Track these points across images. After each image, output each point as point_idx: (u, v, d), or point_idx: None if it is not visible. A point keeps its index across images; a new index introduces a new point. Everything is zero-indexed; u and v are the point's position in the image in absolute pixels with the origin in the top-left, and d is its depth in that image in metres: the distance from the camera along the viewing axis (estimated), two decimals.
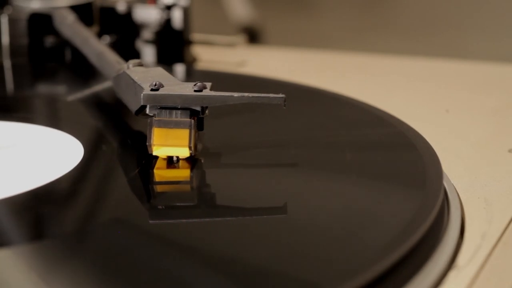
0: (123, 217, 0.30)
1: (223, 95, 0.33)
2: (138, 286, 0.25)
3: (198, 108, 0.33)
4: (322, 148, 0.37)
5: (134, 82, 0.35)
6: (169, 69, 0.52)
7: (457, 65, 0.56)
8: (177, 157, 0.33)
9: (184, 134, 0.32)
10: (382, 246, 0.27)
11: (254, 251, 0.27)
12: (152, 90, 0.33)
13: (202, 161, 0.34)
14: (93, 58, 0.44)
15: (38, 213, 0.31)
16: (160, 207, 0.31)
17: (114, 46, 0.53)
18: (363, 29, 0.94)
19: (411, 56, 0.58)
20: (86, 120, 0.41)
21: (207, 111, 0.33)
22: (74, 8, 0.52)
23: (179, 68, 0.53)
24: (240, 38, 0.64)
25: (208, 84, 0.34)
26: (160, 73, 0.36)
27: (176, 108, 0.33)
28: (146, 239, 0.28)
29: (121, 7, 0.54)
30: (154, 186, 0.33)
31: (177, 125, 0.32)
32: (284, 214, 0.30)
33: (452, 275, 0.28)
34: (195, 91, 0.33)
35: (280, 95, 0.33)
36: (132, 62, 0.37)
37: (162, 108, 0.33)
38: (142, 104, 0.33)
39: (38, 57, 0.52)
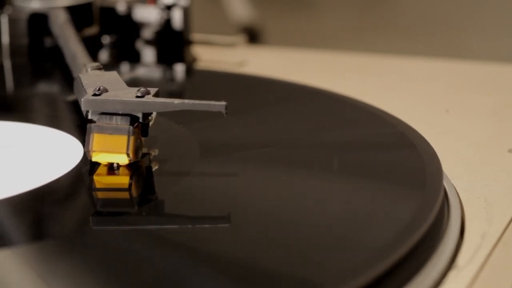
0: (123, 216, 0.30)
1: (163, 102, 0.32)
2: (138, 286, 0.25)
3: (139, 114, 0.32)
4: (322, 148, 0.37)
5: (82, 87, 0.34)
6: (169, 69, 0.52)
7: (457, 65, 0.56)
8: (117, 163, 0.33)
9: (122, 141, 0.32)
10: (382, 246, 0.27)
11: (254, 252, 0.27)
12: (94, 95, 0.32)
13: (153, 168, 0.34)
14: (68, 59, 0.44)
15: (38, 213, 0.31)
16: None
17: (114, 46, 0.53)
18: (363, 29, 0.94)
19: (411, 56, 0.58)
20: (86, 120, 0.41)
21: (152, 117, 0.33)
22: (74, 8, 0.52)
23: (179, 68, 0.53)
24: (240, 38, 0.64)
25: (153, 90, 0.33)
26: (112, 78, 0.35)
27: (117, 114, 0.32)
28: (146, 239, 0.28)
29: (121, 7, 0.54)
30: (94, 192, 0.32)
31: (116, 131, 0.32)
32: (227, 223, 0.28)
33: (452, 275, 0.28)
34: (137, 96, 0.32)
35: (222, 103, 0.32)
36: (90, 65, 0.37)
37: (103, 113, 0.32)
38: (84, 109, 0.32)
39: (38, 57, 0.52)
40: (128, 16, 0.54)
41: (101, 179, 0.32)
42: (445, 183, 0.33)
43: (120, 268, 0.26)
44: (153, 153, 0.34)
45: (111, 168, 0.32)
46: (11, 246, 0.28)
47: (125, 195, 0.31)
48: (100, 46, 0.53)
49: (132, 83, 0.49)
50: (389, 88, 0.50)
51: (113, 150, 0.32)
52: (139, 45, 0.54)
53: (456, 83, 0.52)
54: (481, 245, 0.29)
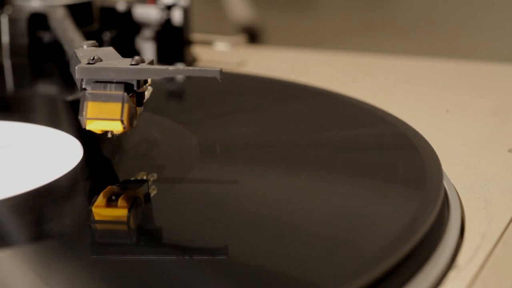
0: (123, 216, 0.30)
1: (157, 68, 0.32)
2: (138, 286, 0.25)
3: (133, 82, 0.32)
4: (322, 148, 0.37)
5: (77, 58, 0.34)
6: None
7: (457, 65, 0.56)
8: (112, 132, 0.32)
9: (116, 108, 0.31)
10: (382, 246, 0.27)
11: (254, 252, 0.27)
12: (88, 64, 0.32)
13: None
14: (67, 48, 0.43)
15: (38, 213, 0.31)
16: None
17: (112, 44, 0.53)
18: (363, 29, 0.94)
19: (411, 56, 0.58)
20: None
21: (147, 87, 0.33)
22: (73, 7, 0.52)
23: None
24: (240, 38, 0.64)
25: (148, 59, 0.33)
26: (108, 51, 0.35)
27: (111, 82, 0.32)
28: (147, 239, 0.28)
29: (121, 6, 0.54)
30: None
31: (110, 98, 0.31)
32: (224, 256, 0.28)
33: (452, 275, 0.28)
34: (131, 65, 0.32)
35: (216, 68, 0.32)
36: (86, 43, 0.37)
37: (97, 82, 0.32)
38: (77, 77, 0.32)
39: (38, 57, 0.52)
40: (128, 16, 0.54)
41: (99, 211, 0.31)
42: (445, 183, 0.33)
43: (120, 268, 0.26)
44: (151, 178, 0.34)
45: (110, 200, 0.31)
46: (11, 246, 0.28)
47: (123, 227, 0.31)
48: (100, 44, 0.53)
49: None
50: (389, 88, 0.50)
51: (107, 117, 0.31)
52: (139, 44, 0.54)
53: (456, 83, 0.52)
54: (481, 245, 0.29)
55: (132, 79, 0.32)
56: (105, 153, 0.37)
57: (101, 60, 0.33)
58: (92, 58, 0.33)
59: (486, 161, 0.38)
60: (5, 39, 0.52)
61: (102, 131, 0.32)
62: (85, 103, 0.31)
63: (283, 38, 0.94)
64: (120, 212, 0.31)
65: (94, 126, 0.32)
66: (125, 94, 0.31)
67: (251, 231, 0.29)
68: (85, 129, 0.32)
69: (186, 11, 0.54)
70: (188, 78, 0.52)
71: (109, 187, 0.32)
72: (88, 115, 0.31)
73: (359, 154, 0.36)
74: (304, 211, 0.30)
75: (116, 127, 0.32)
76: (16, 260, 0.27)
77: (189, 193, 0.32)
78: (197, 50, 0.57)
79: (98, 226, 0.30)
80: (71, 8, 0.52)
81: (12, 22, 0.52)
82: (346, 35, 0.94)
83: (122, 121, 0.31)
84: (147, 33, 0.53)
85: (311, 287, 0.25)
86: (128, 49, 0.54)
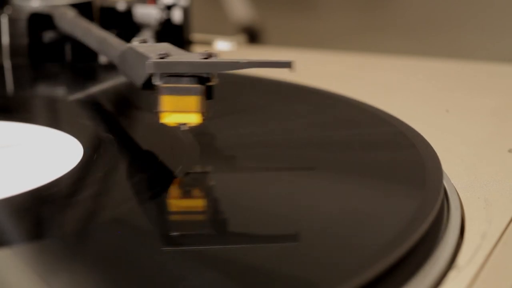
0: (123, 217, 0.30)
1: (231, 61, 0.33)
2: (138, 286, 0.25)
3: (206, 75, 0.33)
4: (322, 148, 0.37)
5: (141, 54, 0.35)
6: None
7: (457, 65, 0.56)
8: (185, 125, 0.33)
9: (194, 101, 0.32)
10: (382, 246, 0.27)
11: (254, 252, 0.27)
12: (160, 58, 0.33)
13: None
14: (95, 46, 0.44)
15: (38, 213, 0.31)
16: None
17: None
18: (363, 29, 0.94)
19: (411, 56, 0.58)
20: (86, 120, 0.41)
21: (215, 80, 0.33)
22: (74, 7, 0.52)
23: None
24: (240, 38, 0.64)
25: (215, 53, 0.34)
26: (167, 46, 0.36)
27: (184, 76, 0.32)
28: (147, 239, 0.28)
29: (121, 6, 0.54)
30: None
31: (187, 91, 0.32)
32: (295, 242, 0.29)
33: (452, 275, 0.28)
34: (203, 59, 0.33)
35: (288, 60, 0.33)
36: (136, 39, 0.38)
37: (170, 76, 0.32)
38: (149, 72, 0.33)
39: (38, 57, 0.52)
40: (128, 16, 0.54)
41: (176, 202, 0.32)
42: (445, 183, 0.33)
43: (120, 268, 0.26)
44: (208, 171, 0.35)
45: (183, 191, 0.33)
46: (11, 246, 0.28)
47: (201, 216, 0.32)
48: None
49: (133, 83, 0.49)
50: (389, 88, 0.50)
51: (185, 110, 0.32)
52: None
53: (456, 83, 0.52)
54: (481, 245, 0.29)
55: (206, 72, 0.33)
56: (105, 153, 0.37)
57: (169, 55, 0.33)
58: (161, 53, 0.33)
59: (486, 161, 0.38)
60: (5, 39, 0.52)
61: (177, 124, 0.33)
62: (161, 97, 0.32)
63: (283, 38, 0.94)
64: (197, 202, 0.32)
65: (170, 119, 0.33)
66: (202, 86, 0.32)
67: (250, 230, 0.29)
68: (160, 122, 0.33)
69: (186, 11, 0.54)
70: None
71: (176, 178, 0.33)
72: (165, 108, 0.32)
73: (359, 154, 0.36)
74: (303, 210, 0.30)
75: (193, 120, 0.33)
76: (16, 260, 0.27)
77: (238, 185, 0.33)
78: (197, 50, 0.57)
79: (175, 217, 0.31)
80: (71, 8, 0.52)
81: (12, 22, 0.52)
82: (346, 35, 0.94)
83: (200, 113, 0.32)
84: (147, 33, 0.53)
85: (310, 285, 0.25)
86: None
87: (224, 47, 0.62)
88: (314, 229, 0.29)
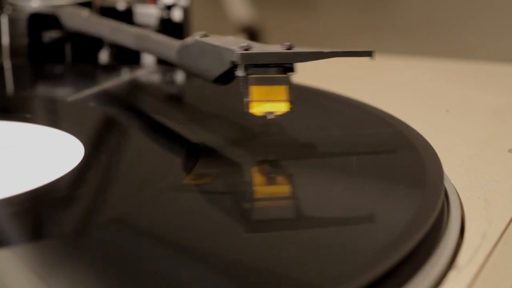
0: (123, 216, 0.30)
1: (315, 52, 0.34)
2: (138, 286, 0.25)
3: (291, 65, 0.34)
4: (322, 148, 0.37)
5: (217, 47, 0.36)
6: (169, 69, 0.52)
7: (457, 65, 0.56)
8: (272, 113, 0.34)
9: (283, 90, 0.33)
10: (382, 246, 0.27)
11: (254, 252, 0.27)
12: (245, 50, 0.34)
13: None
14: (132, 43, 0.44)
15: (38, 213, 0.31)
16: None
17: (112, 45, 0.53)
18: (363, 29, 0.94)
19: (411, 56, 0.58)
20: (87, 120, 0.41)
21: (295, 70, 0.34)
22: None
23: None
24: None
25: (293, 44, 0.34)
26: (234, 39, 0.37)
27: (269, 66, 0.33)
28: (146, 239, 0.28)
29: (121, 6, 0.54)
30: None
31: (275, 81, 0.33)
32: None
33: (452, 275, 0.28)
34: (286, 49, 0.34)
35: (369, 50, 0.35)
36: (198, 33, 0.38)
37: (256, 66, 0.33)
38: (239, 63, 0.33)
39: (38, 57, 0.52)
40: (128, 16, 0.54)
41: (262, 189, 0.33)
42: (445, 183, 0.33)
43: (120, 268, 0.26)
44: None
45: (267, 178, 0.34)
46: (11, 246, 0.28)
47: (288, 202, 0.32)
48: (100, 43, 0.53)
49: (133, 83, 0.49)
50: (389, 88, 0.50)
51: (274, 99, 0.33)
52: None
53: (456, 83, 0.52)
54: (481, 245, 0.29)
55: (292, 62, 0.34)
56: (105, 153, 0.37)
57: (252, 47, 0.34)
58: (244, 45, 0.34)
59: (486, 161, 0.38)
60: (5, 39, 0.52)
61: (263, 113, 0.34)
62: (250, 87, 0.33)
63: (283, 38, 0.94)
64: (283, 188, 0.33)
65: (259, 109, 0.34)
66: (289, 75, 0.34)
67: (252, 232, 0.29)
68: (248, 112, 0.34)
69: (186, 11, 0.54)
70: (188, 78, 0.52)
71: (256, 167, 0.35)
72: (254, 98, 0.33)
73: (359, 155, 0.36)
74: (303, 211, 0.30)
75: (282, 108, 0.34)
76: (15, 260, 0.27)
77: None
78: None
79: (263, 203, 0.32)
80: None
81: (12, 22, 0.52)
82: (346, 35, 0.94)
83: (289, 101, 0.34)
84: None
85: (311, 286, 0.25)
86: (128, 49, 0.54)
87: None
88: (314, 230, 0.29)
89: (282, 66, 0.34)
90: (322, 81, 0.47)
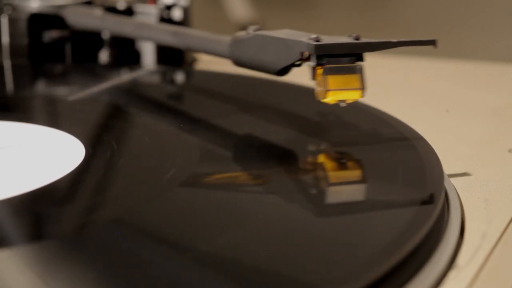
0: (123, 217, 0.30)
1: (384, 41, 0.36)
2: (138, 286, 0.25)
3: (361, 55, 0.35)
4: (322, 148, 0.37)
5: (284, 39, 0.36)
6: (169, 69, 0.52)
7: (457, 65, 0.56)
8: (345, 101, 0.35)
9: (356, 78, 0.35)
10: (382, 246, 0.27)
11: (254, 252, 0.27)
12: (317, 42, 0.35)
13: None
14: (168, 39, 0.45)
15: (38, 213, 0.31)
16: None
17: (112, 45, 0.53)
18: (363, 29, 0.94)
19: (411, 56, 0.58)
20: (87, 120, 0.41)
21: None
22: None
23: (179, 68, 0.53)
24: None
25: (360, 35, 0.36)
26: (293, 31, 0.37)
27: (340, 56, 0.35)
28: (146, 239, 0.28)
29: (121, 6, 0.54)
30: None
31: (349, 70, 0.35)
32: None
33: (452, 275, 0.28)
34: (353, 40, 0.35)
35: (432, 38, 0.36)
36: (252, 27, 0.39)
37: (327, 57, 0.34)
38: (314, 54, 0.34)
39: (38, 57, 0.52)
40: (128, 16, 0.54)
41: (336, 174, 0.34)
42: (445, 183, 0.33)
43: (120, 268, 0.26)
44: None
45: (339, 163, 0.35)
46: (11, 246, 0.28)
47: (361, 186, 0.33)
48: (101, 42, 0.53)
49: (133, 83, 0.49)
50: (389, 88, 0.50)
51: (349, 88, 0.35)
52: (139, 44, 0.54)
53: (456, 83, 0.52)
54: (481, 245, 0.29)
55: (362, 52, 0.35)
56: (106, 152, 0.37)
57: (321, 38, 0.35)
58: (314, 36, 0.35)
59: (486, 161, 0.38)
60: (5, 39, 0.52)
61: (336, 101, 0.35)
62: (325, 77, 0.34)
63: None
64: (355, 172, 0.34)
65: (334, 97, 0.35)
66: (362, 64, 0.35)
67: (250, 231, 0.29)
68: (320, 100, 0.35)
69: (186, 11, 0.54)
70: (189, 78, 0.52)
71: (322, 154, 0.36)
72: (330, 87, 0.34)
73: (359, 155, 0.36)
74: (303, 211, 0.30)
75: (356, 96, 0.35)
76: (15, 261, 0.27)
77: None
78: None
79: (336, 188, 0.32)
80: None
81: (12, 22, 0.52)
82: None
83: (361, 90, 0.35)
84: None
85: (311, 287, 0.25)
86: (128, 49, 0.54)
87: None
88: (314, 231, 0.29)
89: (352, 55, 0.35)
90: None
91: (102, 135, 0.39)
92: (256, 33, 0.38)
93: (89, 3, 0.54)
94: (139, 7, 0.54)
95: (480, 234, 0.30)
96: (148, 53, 0.53)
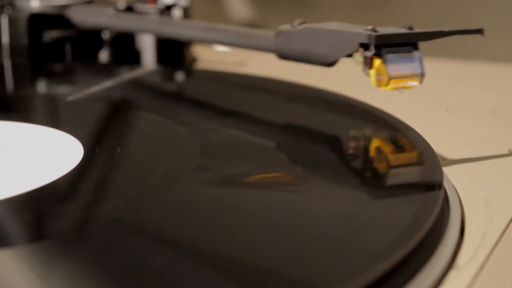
0: (123, 216, 0.30)
1: (436, 31, 0.37)
2: (138, 286, 0.25)
3: (416, 44, 0.37)
4: (321, 148, 0.37)
5: (338, 31, 0.38)
6: (170, 70, 0.52)
7: (457, 65, 0.56)
8: (404, 88, 0.37)
9: (415, 66, 0.37)
10: (383, 246, 0.27)
11: (254, 252, 0.27)
12: (374, 32, 0.36)
13: None
14: (199, 35, 0.46)
15: (38, 213, 0.31)
16: None
17: (112, 45, 0.53)
18: None
19: None
20: (86, 120, 0.41)
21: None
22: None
23: (179, 68, 0.53)
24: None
25: (412, 25, 0.37)
26: (339, 23, 0.39)
27: (396, 45, 0.36)
28: (147, 239, 0.28)
29: (120, 6, 0.54)
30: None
31: (409, 59, 0.37)
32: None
33: (452, 275, 0.27)
34: (408, 29, 0.37)
35: (478, 28, 0.38)
36: (296, 21, 0.40)
37: (385, 46, 0.36)
38: (374, 44, 0.36)
39: (38, 57, 0.52)
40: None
41: (396, 157, 0.36)
42: (445, 183, 0.33)
43: (120, 268, 0.26)
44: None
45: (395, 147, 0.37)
46: (11, 246, 0.28)
47: (419, 167, 0.35)
48: (101, 42, 0.53)
49: (133, 84, 0.49)
50: None
51: (409, 75, 0.36)
52: (139, 44, 0.54)
53: (456, 83, 0.52)
54: (481, 245, 0.29)
55: (418, 41, 0.37)
56: (106, 151, 0.37)
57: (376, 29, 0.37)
58: (371, 28, 0.37)
59: (486, 161, 0.38)
60: (5, 39, 0.52)
61: (394, 88, 0.37)
62: (387, 65, 0.36)
63: None
64: (412, 154, 0.36)
65: (395, 84, 0.36)
66: (420, 53, 0.37)
67: (250, 231, 0.29)
68: (379, 88, 0.37)
69: (186, 11, 0.54)
70: (189, 78, 0.52)
71: (375, 139, 0.38)
72: (393, 75, 0.36)
73: (359, 155, 0.36)
74: (303, 211, 0.30)
75: (414, 83, 0.37)
76: (16, 260, 0.27)
77: None
78: (197, 50, 0.57)
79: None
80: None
81: (12, 22, 0.52)
82: None
83: (419, 77, 0.37)
84: (147, 33, 0.53)
85: (311, 287, 0.25)
86: (128, 49, 0.54)
87: (224, 47, 0.62)
88: (314, 231, 0.29)
89: (408, 44, 0.36)
90: (321, 81, 0.47)
91: (102, 135, 0.39)
92: (306, 26, 0.40)
93: (89, 3, 0.54)
94: (139, 7, 0.54)
95: (480, 234, 0.30)
96: (148, 53, 0.53)
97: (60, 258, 0.27)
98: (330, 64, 0.39)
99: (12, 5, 0.53)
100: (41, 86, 0.50)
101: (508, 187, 0.34)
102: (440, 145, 0.36)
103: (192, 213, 0.30)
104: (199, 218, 0.30)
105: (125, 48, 0.53)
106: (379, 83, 0.36)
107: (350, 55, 0.38)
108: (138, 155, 0.36)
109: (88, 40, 0.52)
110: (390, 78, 0.36)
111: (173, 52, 0.53)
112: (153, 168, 0.34)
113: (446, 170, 0.34)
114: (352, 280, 0.25)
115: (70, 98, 0.45)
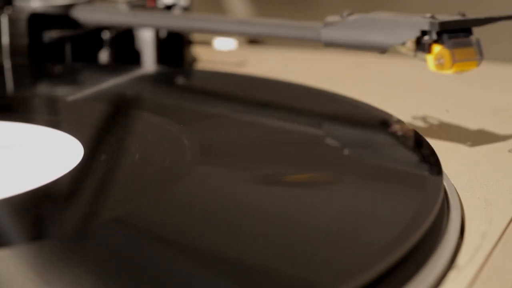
0: (123, 216, 0.30)
1: (487, 17, 0.39)
2: (138, 286, 0.25)
3: (470, 29, 0.39)
4: (322, 148, 0.37)
5: (395, 20, 0.40)
6: (171, 70, 0.52)
7: None
8: (462, 71, 0.38)
9: (472, 51, 0.38)
10: (382, 246, 0.27)
11: (253, 250, 0.27)
12: (434, 19, 0.39)
13: None
14: (234, 28, 0.47)
15: (38, 213, 0.31)
16: None
17: (112, 45, 0.53)
18: None
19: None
20: (86, 120, 0.41)
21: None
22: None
23: (179, 68, 0.53)
24: (240, 38, 0.64)
25: (465, 12, 0.39)
26: (388, 13, 0.41)
27: (453, 32, 0.38)
28: (146, 239, 0.28)
29: (120, 7, 0.54)
30: None
31: (468, 44, 0.38)
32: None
33: (452, 275, 0.28)
34: (461, 16, 0.39)
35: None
36: (345, 13, 0.43)
37: (444, 33, 0.38)
38: (436, 30, 0.38)
39: (38, 57, 0.52)
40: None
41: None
42: (445, 183, 0.33)
43: (120, 268, 0.26)
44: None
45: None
46: (11, 246, 0.28)
47: None
48: (101, 42, 0.53)
49: (133, 84, 0.49)
50: (389, 88, 0.50)
51: (469, 59, 0.38)
52: (139, 44, 0.54)
53: (456, 83, 0.52)
54: (481, 245, 0.29)
55: (473, 26, 0.39)
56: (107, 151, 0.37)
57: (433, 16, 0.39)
58: (430, 15, 0.39)
59: (486, 161, 0.38)
60: (5, 39, 0.52)
61: (455, 71, 0.38)
62: (451, 50, 0.38)
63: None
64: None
65: (457, 68, 0.38)
66: (476, 38, 0.38)
67: (250, 230, 0.29)
68: (438, 72, 0.38)
69: (186, 11, 0.54)
70: (189, 78, 0.52)
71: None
72: (456, 59, 0.38)
73: (359, 154, 0.36)
74: (303, 210, 0.30)
75: (473, 66, 0.38)
76: (16, 260, 0.27)
77: None
78: (197, 50, 0.57)
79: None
80: (69, 9, 0.52)
81: (12, 22, 0.52)
82: None
83: (477, 61, 0.38)
84: (147, 32, 0.53)
85: (310, 286, 0.25)
86: (128, 49, 0.54)
87: (224, 47, 0.62)
88: (314, 230, 0.29)
89: (464, 31, 0.38)
90: (322, 80, 0.47)
91: (102, 135, 0.39)
92: (359, 16, 0.41)
93: (88, 3, 0.54)
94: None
95: (480, 234, 0.30)
96: (148, 53, 0.53)
97: (60, 258, 0.27)
98: (383, 51, 0.41)
99: (12, 5, 0.53)
100: (41, 86, 0.50)
101: (508, 187, 0.34)
102: (440, 145, 0.36)
103: (192, 213, 0.30)
104: (199, 218, 0.30)
105: (125, 48, 0.53)
106: (441, 67, 0.38)
107: (404, 42, 0.39)
108: (138, 155, 0.36)
109: (88, 40, 0.52)
110: (455, 62, 0.37)
111: (173, 52, 0.53)
112: (152, 168, 0.34)
113: (446, 170, 0.34)
114: (352, 279, 0.25)
115: (70, 98, 0.45)
